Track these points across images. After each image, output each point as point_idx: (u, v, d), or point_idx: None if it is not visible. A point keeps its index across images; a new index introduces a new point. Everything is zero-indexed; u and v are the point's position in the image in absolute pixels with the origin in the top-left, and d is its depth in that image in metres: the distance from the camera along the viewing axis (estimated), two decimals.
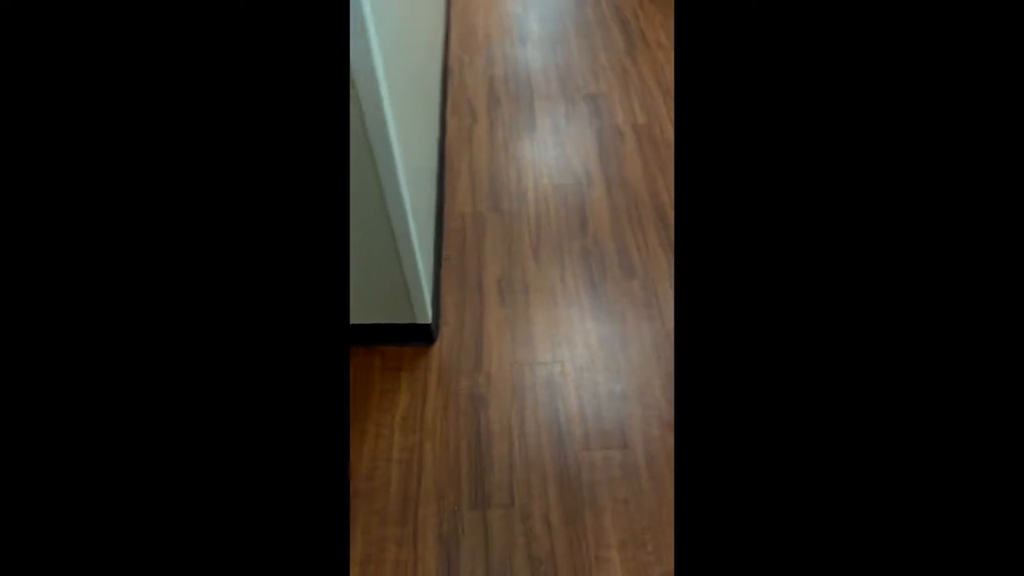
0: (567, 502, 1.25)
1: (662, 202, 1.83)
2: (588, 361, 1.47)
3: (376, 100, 0.99)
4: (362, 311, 1.42)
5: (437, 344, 1.51)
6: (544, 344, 1.50)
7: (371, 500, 1.26)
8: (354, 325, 1.46)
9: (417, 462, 1.31)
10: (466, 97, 2.21)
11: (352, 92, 0.98)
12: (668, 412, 1.38)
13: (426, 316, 1.43)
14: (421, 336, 1.48)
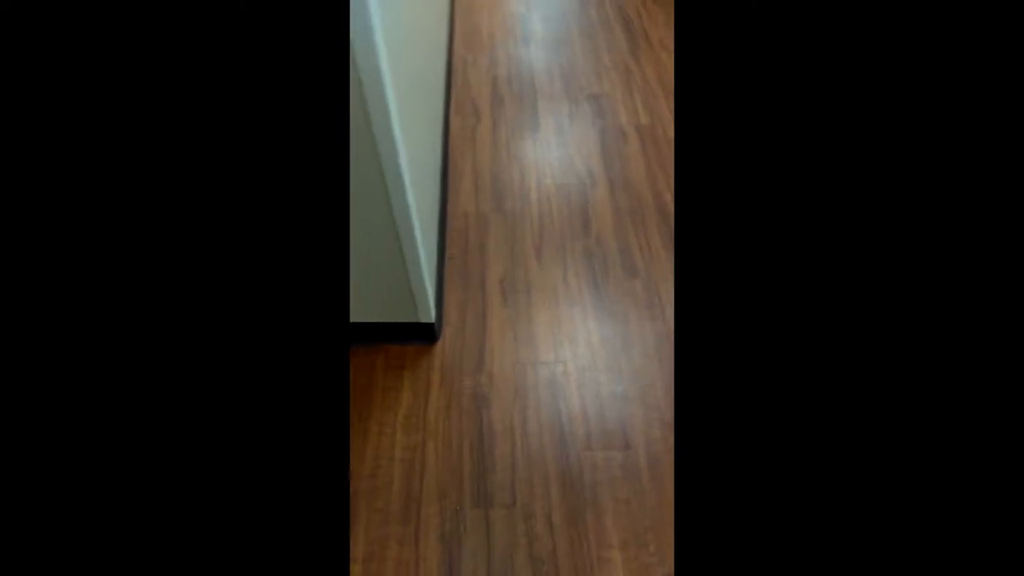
0: (569, 502, 1.25)
1: (665, 202, 1.83)
2: (590, 361, 1.47)
3: (381, 99, 0.99)
4: (365, 309, 1.43)
5: (440, 343, 1.51)
6: (546, 344, 1.50)
7: (373, 499, 1.26)
8: (357, 323, 1.46)
9: (419, 461, 1.31)
10: (470, 97, 2.21)
11: (357, 90, 0.98)
12: (670, 413, 1.39)
13: (429, 315, 1.43)
14: (424, 335, 1.48)
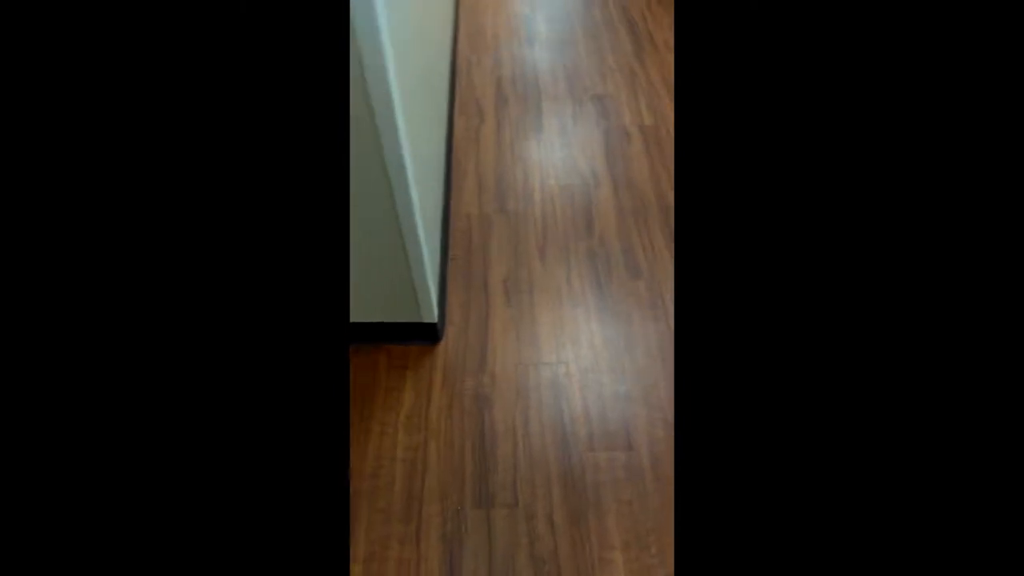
0: (571, 503, 1.25)
1: (668, 203, 1.83)
2: (593, 362, 1.47)
3: (386, 98, 0.99)
4: (368, 309, 1.43)
5: (442, 343, 1.51)
6: (549, 345, 1.50)
7: (375, 498, 1.26)
8: (360, 323, 1.46)
9: (421, 461, 1.31)
10: (474, 97, 2.21)
11: (362, 89, 0.98)
12: (673, 414, 1.38)
13: (432, 315, 1.43)
14: (427, 335, 1.48)
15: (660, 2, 2.66)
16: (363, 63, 0.94)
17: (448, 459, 1.31)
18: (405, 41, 1.18)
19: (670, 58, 2.35)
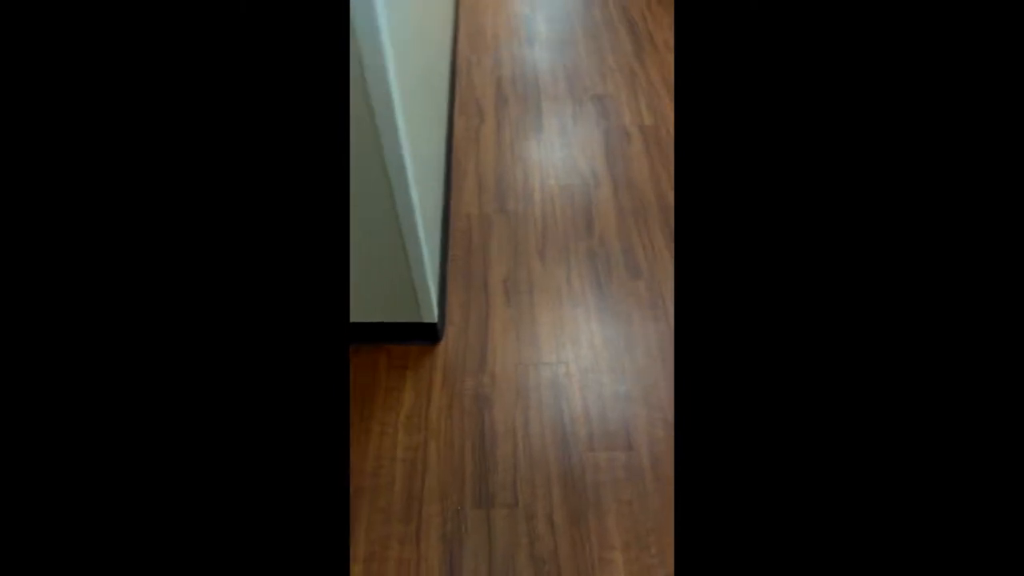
0: (571, 503, 1.25)
1: (668, 203, 1.83)
2: (593, 362, 1.47)
3: (386, 98, 0.99)
4: (368, 309, 1.43)
5: (442, 343, 1.51)
6: (549, 345, 1.50)
7: (375, 498, 1.26)
8: (360, 323, 1.46)
9: (421, 461, 1.31)
10: (474, 97, 2.21)
11: (362, 88, 0.98)
12: (673, 414, 1.38)
13: (432, 315, 1.43)
14: (427, 335, 1.48)
15: (660, 2, 2.66)
16: (363, 63, 0.94)
17: (448, 459, 1.31)
18: (405, 41, 1.18)
19: (670, 58, 2.35)
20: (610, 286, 1.62)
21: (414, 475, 1.29)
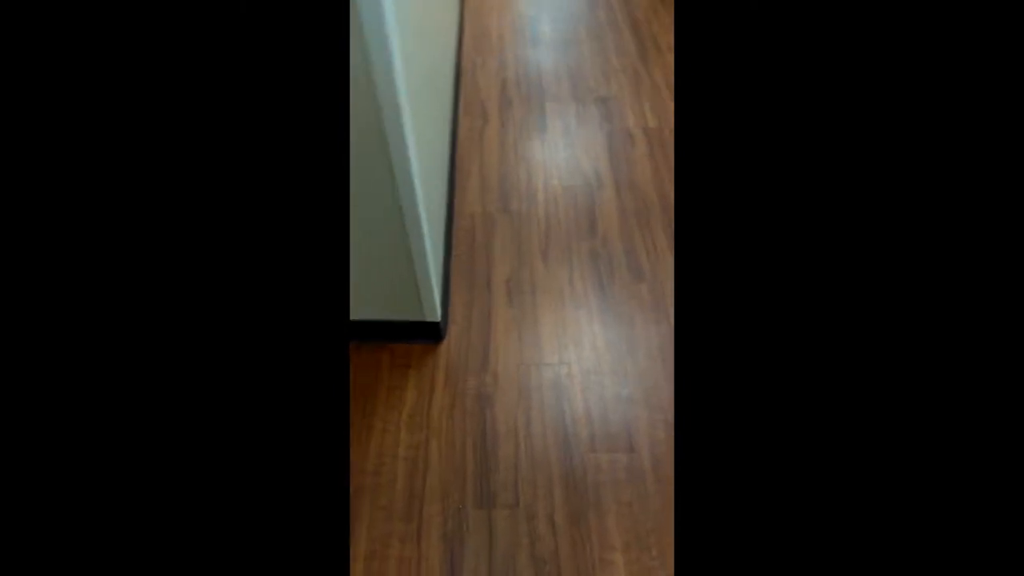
0: (572, 503, 1.25)
1: (671, 205, 1.83)
2: (595, 363, 1.47)
3: (393, 98, 1.00)
4: (372, 307, 1.43)
5: (445, 342, 1.51)
6: (551, 345, 1.50)
7: (377, 496, 1.26)
8: (363, 321, 1.47)
9: (423, 459, 1.31)
10: (478, 98, 2.21)
11: (370, 89, 0.98)
12: (674, 416, 1.38)
13: (435, 314, 1.44)
14: (429, 334, 1.48)
15: (664, 3, 2.67)
16: (371, 62, 0.95)
17: (450, 458, 1.32)
18: (412, 42, 1.18)
19: (673, 60, 2.35)
20: (613, 288, 1.62)
21: (415, 474, 1.29)
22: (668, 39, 2.46)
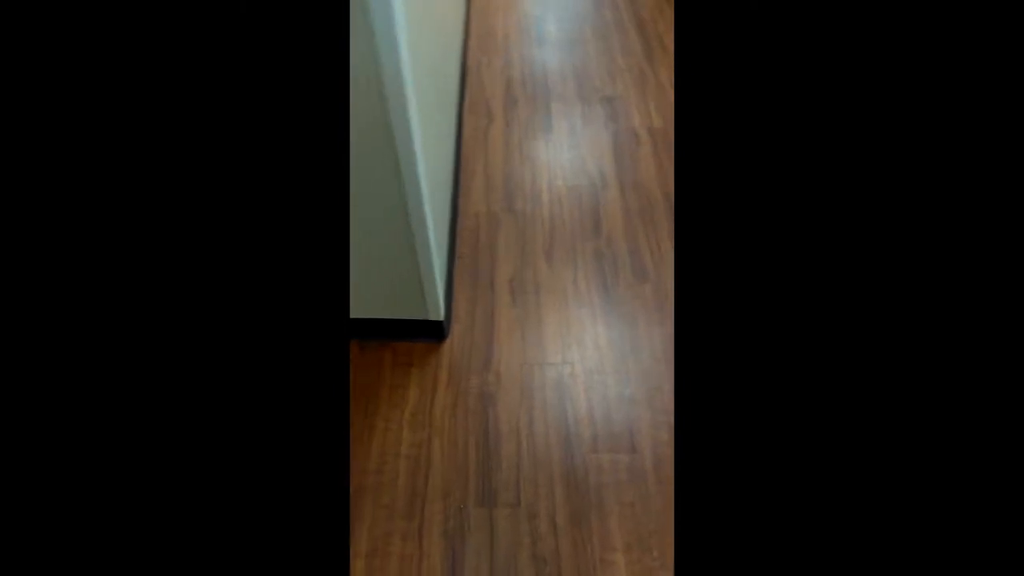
0: (573, 503, 1.25)
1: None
2: (598, 364, 1.47)
3: (401, 96, 1.00)
4: (375, 306, 1.43)
5: (448, 341, 1.51)
6: (554, 345, 1.50)
7: (379, 494, 1.27)
8: (367, 319, 1.47)
9: (425, 458, 1.32)
10: (483, 97, 2.21)
11: (378, 88, 0.98)
12: None
13: (439, 313, 1.44)
14: (433, 333, 1.49)
15: (670, 3, 2.66)
16: (379, 61, 0.95)
17: (452, 457, 1.32)
18: (419, 41, 1.18)
19: None
20: (616, 288, 1.62)
21: (418, 472, 1.30)
22: (674, 38, 2.45)
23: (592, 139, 2.04)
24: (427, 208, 1.23)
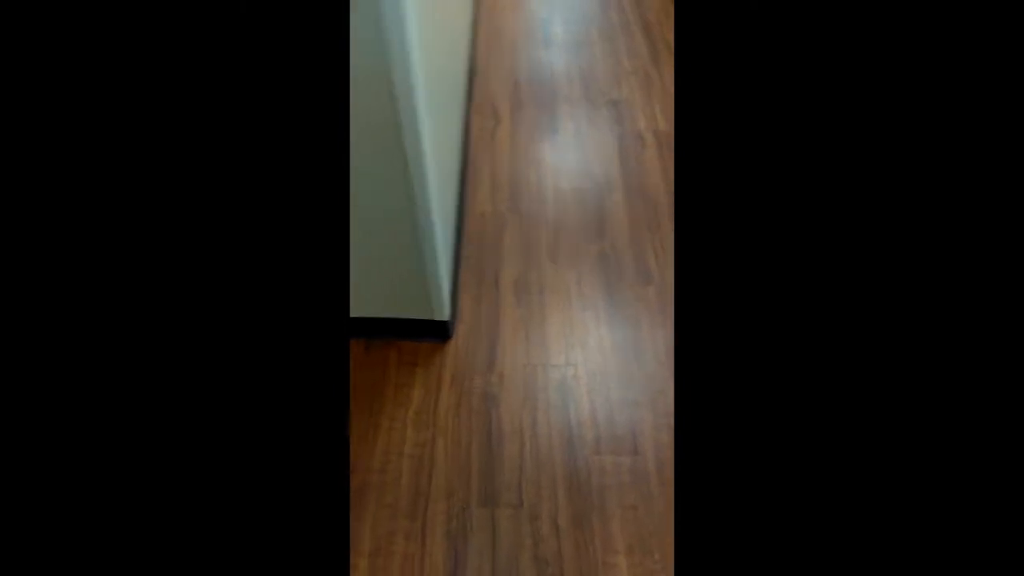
0: (576, 505, 1.25)
1: None
2: (601, 366, 1.47)
3: (410, 96, 1.00)
4: (381, 305, 1.44)
5: (452, 341, 1.52)
6: (558, 347, 1.51)
7: (382, 493, 1.27)
8: (372, 318, 1.47)
9: (428, 458, 1.32)
10: (490, 99, 2.21)
11: (388, 87, 0.99)
12: None
13: (443, 313, 1.44)
14: (437, 332, 1.49)
15: None
16: (390, 60, 0.95)
17: (455, 457, 1.32)
18: (428, 41, 1.19)
19: None
20: (620, 290, 1.62)
21: (421, 472, 1.30)
22: None
23: (598, 141, 2.04)
24: (434, 208, 1.23)
